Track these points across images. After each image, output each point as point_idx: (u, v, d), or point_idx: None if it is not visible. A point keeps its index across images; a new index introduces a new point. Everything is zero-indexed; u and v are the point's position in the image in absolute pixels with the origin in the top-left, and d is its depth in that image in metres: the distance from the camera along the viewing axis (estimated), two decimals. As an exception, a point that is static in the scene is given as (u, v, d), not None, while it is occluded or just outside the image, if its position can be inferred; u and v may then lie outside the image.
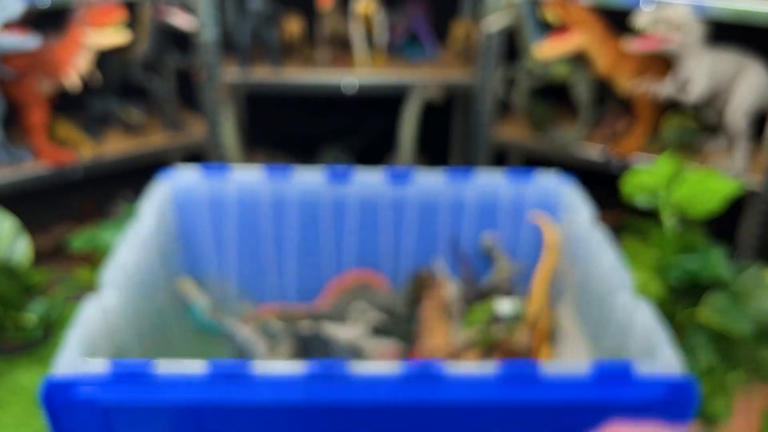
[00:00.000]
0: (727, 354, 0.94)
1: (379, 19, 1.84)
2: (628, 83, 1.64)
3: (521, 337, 0.90)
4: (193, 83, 1.82)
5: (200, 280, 0.97)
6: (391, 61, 1.94)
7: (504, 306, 0.90)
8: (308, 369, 0.60)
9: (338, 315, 0.93)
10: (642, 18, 1.48)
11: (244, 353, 0.86)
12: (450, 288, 0.96)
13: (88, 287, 1.13)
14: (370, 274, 0.96)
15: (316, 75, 1.84)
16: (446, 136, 2.18)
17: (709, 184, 1.05)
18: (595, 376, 0.61)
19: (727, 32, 1.55)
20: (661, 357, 0.65)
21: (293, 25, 1.87)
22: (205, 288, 0.98)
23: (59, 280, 1.10)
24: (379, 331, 0.90)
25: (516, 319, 0.93)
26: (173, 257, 0.92)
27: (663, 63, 1.61)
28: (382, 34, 1.87)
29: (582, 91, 1.71)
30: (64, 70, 1.55)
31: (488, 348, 0.89)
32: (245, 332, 0.86)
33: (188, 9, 1.68)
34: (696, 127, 1.67)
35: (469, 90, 1.88)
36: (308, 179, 0.95)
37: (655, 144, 1.68)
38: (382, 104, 2.02)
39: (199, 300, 0.91)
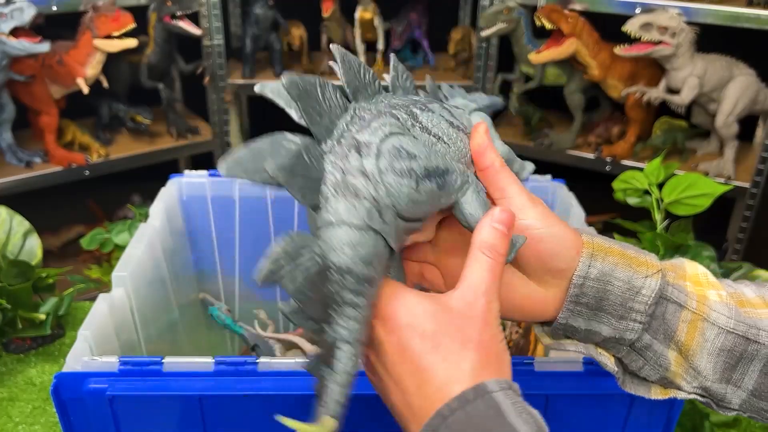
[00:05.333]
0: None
1: (379, 25, 1.87)
2: (620, 88, 1.66)
3: (515, 334, 0.93)
4: (200, 87, 1.85)
5: (206, 278, 1.00)
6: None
7: None
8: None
9: None
10: (634, 23, 1.49)
11: (260, 351, 0.90)
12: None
13: (97, 286, 1.16)
14: None
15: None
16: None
17: (699, 185, 1.07)
18: (588, 371, 0.62)
19: (717, 37, 1.56)
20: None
21: (296, 32, 1.90)
22: (211, 286, 1.01)
23: (69, 279, 1.12)
24: None
25: None
26: (181, 257, 0.95)
27: (655, 67, 1.63)
28: (381, 40, 1.90)
29: (575, 95, 1.73)
30: (73, 74, 1.56)
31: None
32: (265, 335, 0.91)
33: (194, 15, 1.71)
34: (687, 130, 1.69)
35: (467, 94, 1.90)
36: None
37: (647, 147, 1.70)
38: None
39: (216, 304, 0.96)
